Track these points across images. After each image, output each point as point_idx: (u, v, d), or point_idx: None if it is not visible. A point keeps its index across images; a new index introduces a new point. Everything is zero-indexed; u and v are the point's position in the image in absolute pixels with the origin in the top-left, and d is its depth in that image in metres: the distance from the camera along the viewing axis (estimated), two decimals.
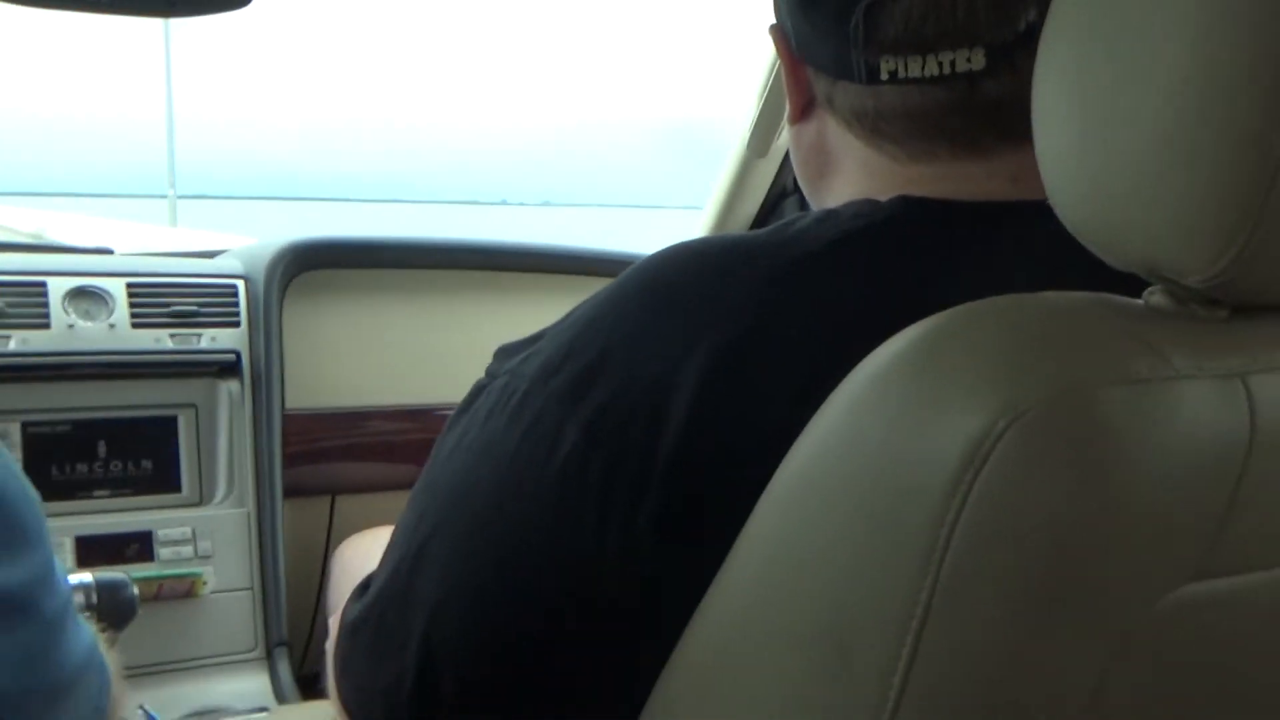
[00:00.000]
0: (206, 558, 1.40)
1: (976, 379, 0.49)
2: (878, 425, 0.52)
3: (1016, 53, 0.64)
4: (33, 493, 0.54)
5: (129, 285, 1.48)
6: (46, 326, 1.41)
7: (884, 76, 0.67)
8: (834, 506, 0.54)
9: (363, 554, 1.31)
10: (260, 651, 1.39)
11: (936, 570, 0.50)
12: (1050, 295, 0.54)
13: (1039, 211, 0.58)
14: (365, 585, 0.75)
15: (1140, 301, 0.56)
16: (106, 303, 1.46)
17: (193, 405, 1.47)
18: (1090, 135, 0.54)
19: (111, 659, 0.67)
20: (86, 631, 0.59)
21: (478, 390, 0.72)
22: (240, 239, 1.70)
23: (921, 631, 0.51)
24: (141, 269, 1.52)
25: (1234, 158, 0.50)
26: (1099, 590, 0.51)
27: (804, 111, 0.74)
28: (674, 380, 0.61)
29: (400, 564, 0.71)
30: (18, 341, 1.39)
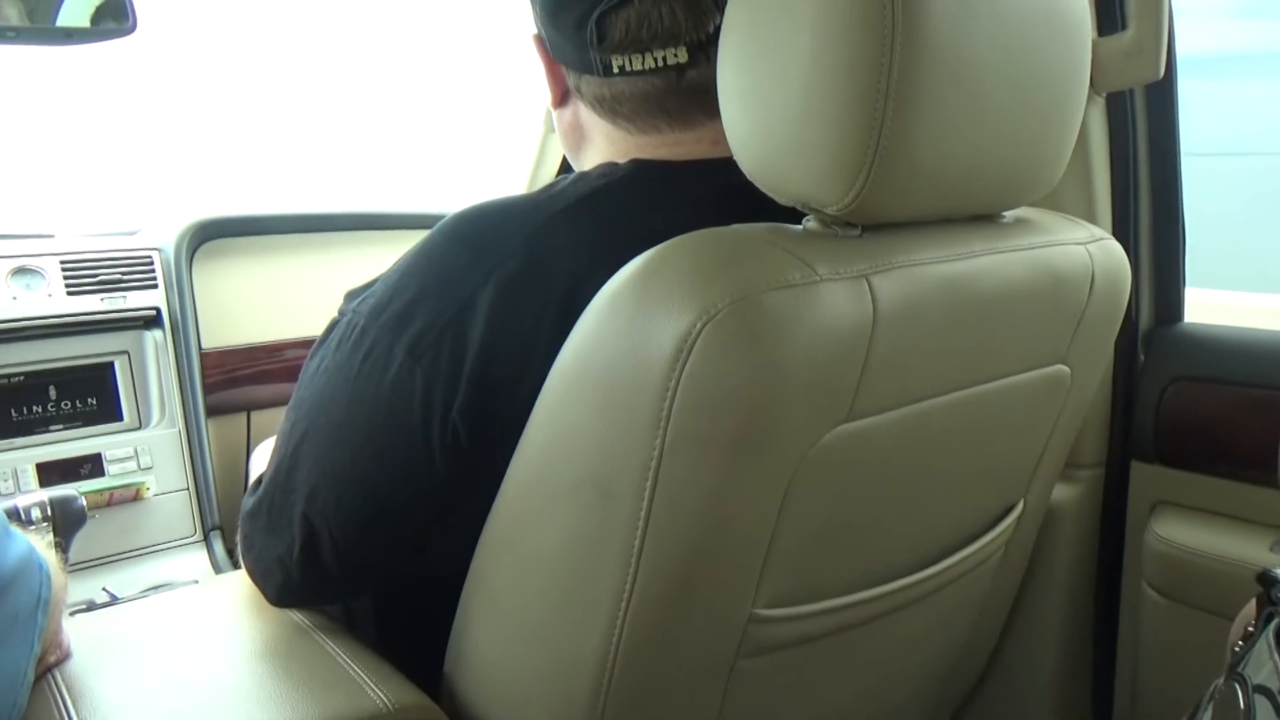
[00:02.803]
0: (148, 469, 1.34)
1: (680, 293, 0.50)
2: (615, 331, 0.53)
3: (710, 47, 0.64)
4: None
5: (62, 262, 1.38)
6: None
7: (615, 70, 0.66)
8: (590, 391, 0.54)
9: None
10: (199, 536, 1.34)
11: (664, 431, 0.51)
12: (734, 227, 0.56)
13: (732, 166, 0.59)
14: (258, 482, 0.73)
15: (800, 227, 0.58)
16: (44, 277, 1.36)
17: (125, 352, 1.39)
18: (755, 106, 0.55)
19: (53, 558, 0.63)
20: (19, 542, 0.55)
21: (332, 326, 0.69)
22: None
23: (658, 474, 0.52)
24: (73, 248, 1.41)
25: (852, 121, 0.51)
26: (774, 436, 0.53)
27: (562, 99, 0.73)
28: (471, 308, 0.60)
29: (280, 463, 0.69)
30: None
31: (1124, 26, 0.88)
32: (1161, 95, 0.96)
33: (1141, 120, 0.96)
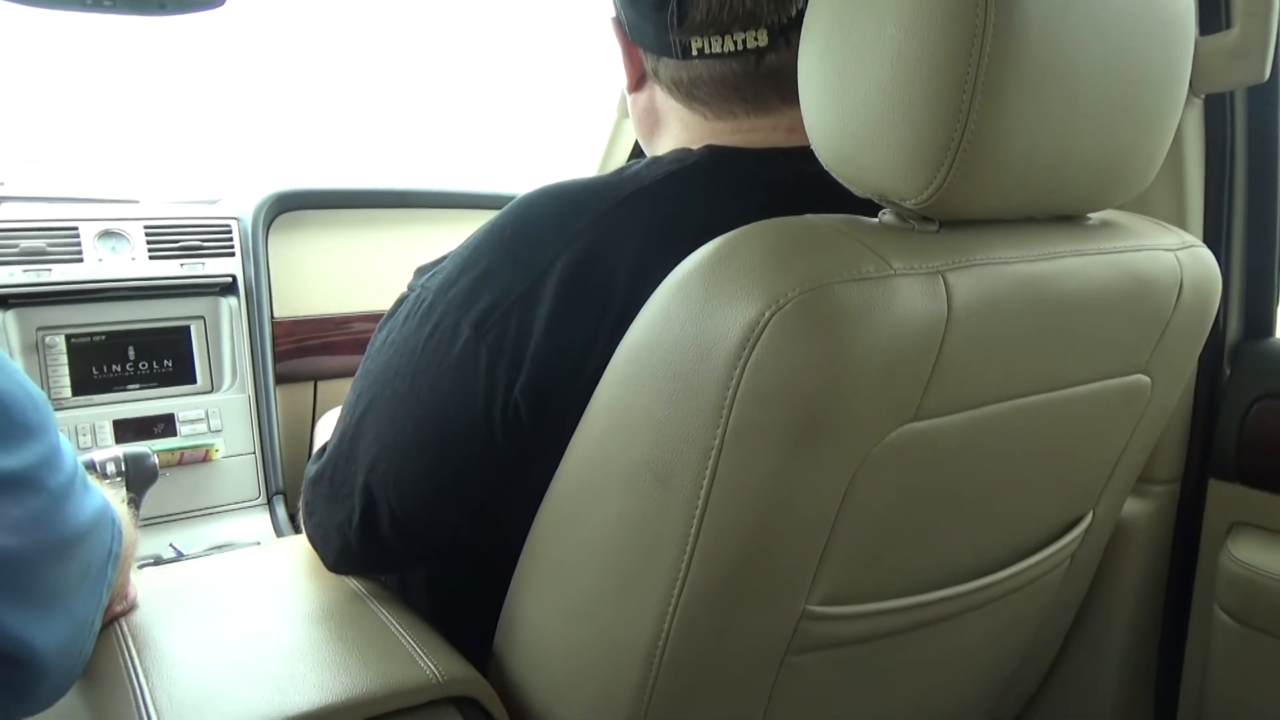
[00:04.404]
0: (218, 432, 1.38)
1: (749, 281, 0.50)
2: (682, 316, 0.52)
3: (791, 32, 0.64)
4: (35, 392, 0.51)
5: (145, 226, 1.43)
6: (80, 260, 1.36)
7: (694, 53, 0.66)
8: (653, 376, 0.54)
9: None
10: (262, 499, 1.38)
11: (726, 419, 0.51)
12: (807, 217, 0.55)
13: (807, 155, 0.58)
14: (322, 450, 0.74)
15: (876, 220, 0.57)
16: (128, 240, 1.41)
17: (201, 317, 1.43)
18: (836, 95, 0.54)
19: (125, 513, 0.65)
20: (95, 495, 0.57)
21: (400, 300, 0.70)
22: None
23: (717, 463, 0.52)
24: (156, 214, 1.46)
25: (935, 114, 0.50)
26: (838, 431, 0.52)
27: (638, 83, 0.73)
28: (538, 288, 0.60)
29: (345, 432, 0.70)
30: (58, 273, 1.34)
31: (1229, 25, 0.84)
32: (1265, 99, 0.92)
33: (1241, 124, 0.92)
